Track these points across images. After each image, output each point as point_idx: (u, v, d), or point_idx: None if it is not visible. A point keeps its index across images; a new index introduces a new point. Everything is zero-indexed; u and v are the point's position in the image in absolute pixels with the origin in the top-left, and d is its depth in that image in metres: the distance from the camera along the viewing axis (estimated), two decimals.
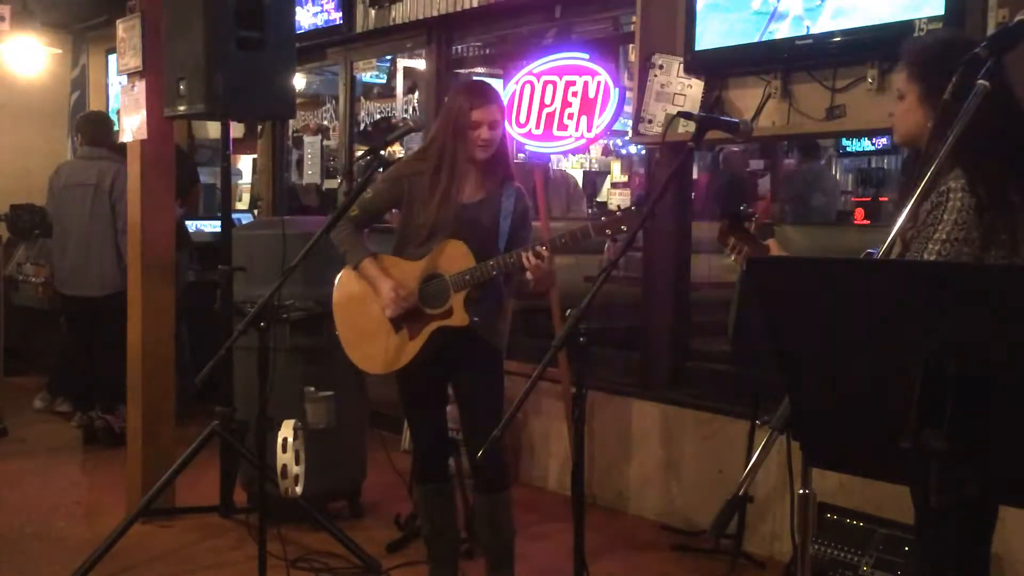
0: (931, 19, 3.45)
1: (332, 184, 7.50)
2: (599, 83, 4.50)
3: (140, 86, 4.48)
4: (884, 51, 3.57)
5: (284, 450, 3.35)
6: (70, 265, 5.93)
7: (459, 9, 5.54)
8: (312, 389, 4.22)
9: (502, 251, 3.28)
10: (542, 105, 4.67)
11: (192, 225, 6.77)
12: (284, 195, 7.37)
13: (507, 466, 3.76)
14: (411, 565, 3.96)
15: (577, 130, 4.56)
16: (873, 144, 8.73)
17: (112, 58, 8.13)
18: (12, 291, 7.22)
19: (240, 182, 8.92)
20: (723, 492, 2.41)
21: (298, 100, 5.24)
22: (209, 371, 3.21)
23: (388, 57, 7.11)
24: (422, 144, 3.65)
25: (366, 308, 3.40)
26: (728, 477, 4.30)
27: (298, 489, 3.40)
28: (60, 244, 6.05)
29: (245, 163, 8.82)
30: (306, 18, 6.50)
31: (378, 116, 7.21)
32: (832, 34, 3.80)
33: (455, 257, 3.27)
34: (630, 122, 4.64)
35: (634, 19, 4.65)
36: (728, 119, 3.07)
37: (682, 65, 4.31)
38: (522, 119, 4.72)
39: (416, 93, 7.01)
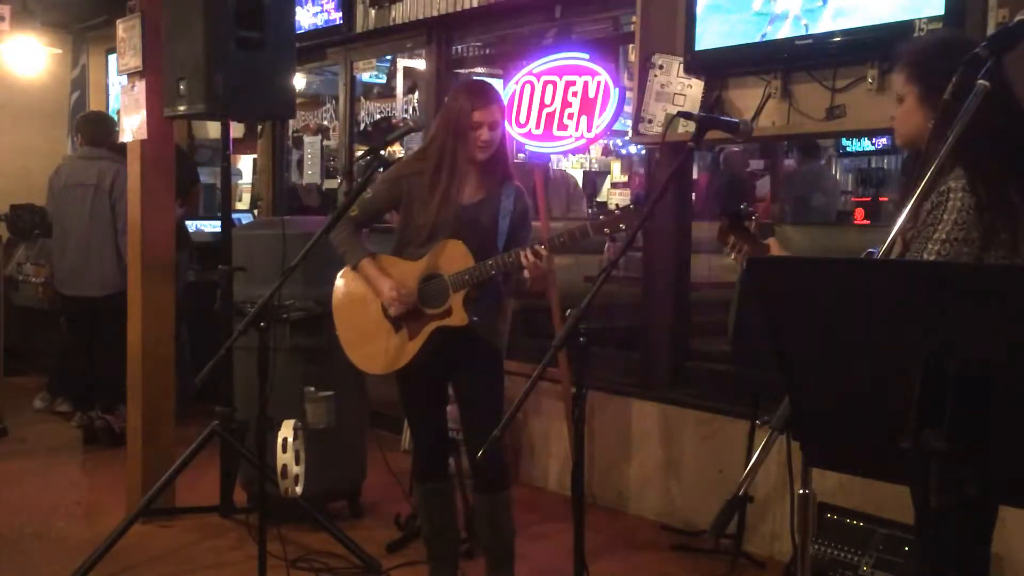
0: (931, 19, 3.45)
1: (332, 184, 7.50)
2: (599, 83, 4.50)
3: (140, 86, 4.48)
4: (884, 51, 3.57)
5: (284, 450, 3.35)
6: (70, 265, 5.93)
7: (459, 9, 5.54)
8: (312, 389, 4.22)
9: (501, 251, 3.28)
10: (542, 105, 4.67)
11: (192, 225, 6.77)
12: (284, 195, 7.37)
13: (507, 466, 3.76)
14: (411, 565, 3.96)
15: (577, 130, 4.56)
16: (873, 144, 8.74)
17: (112, 58, 8.14)
18: (12, 291, 7.21)
19: (240, 182, 8.92)
20: (723, 492, 2.41)
21: (298, 100, 5.24)
22: (209, 371, 3.21)
23: (388, 57, 7.11)
24: (422, 144, 3.65)
25: (365, 308, 3.40)
26: (728, 477, 4.30)
27: (298, 489, 3.40)
28: (60, 244, 6.05)
29: (245, 163, 8.82)
30: (306, 18, 6.50)
31: (378, 116, 7.21)
32: (832, 34, 3.80)
33: (454, 257, 3.27)
34: (630, 122, 4.64)
35: (634, 19, 4.65)
36: (728, 119, 3.07)
37: (682, 65, 4.31)
38: (522, 119, 4.71)
39: (416, 93, 7.00)
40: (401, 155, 6.13)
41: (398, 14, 5.99)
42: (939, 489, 1.54)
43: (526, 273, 3.20)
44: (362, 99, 7.28)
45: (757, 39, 4.03)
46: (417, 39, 6.11)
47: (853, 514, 3.74)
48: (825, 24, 3.82)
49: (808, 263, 1.98)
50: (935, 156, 1.93)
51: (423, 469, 3.58)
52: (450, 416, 3.64)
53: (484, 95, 3.31)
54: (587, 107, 4.53)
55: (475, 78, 5.59)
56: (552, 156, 6.38)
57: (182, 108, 4.16)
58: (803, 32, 3.88)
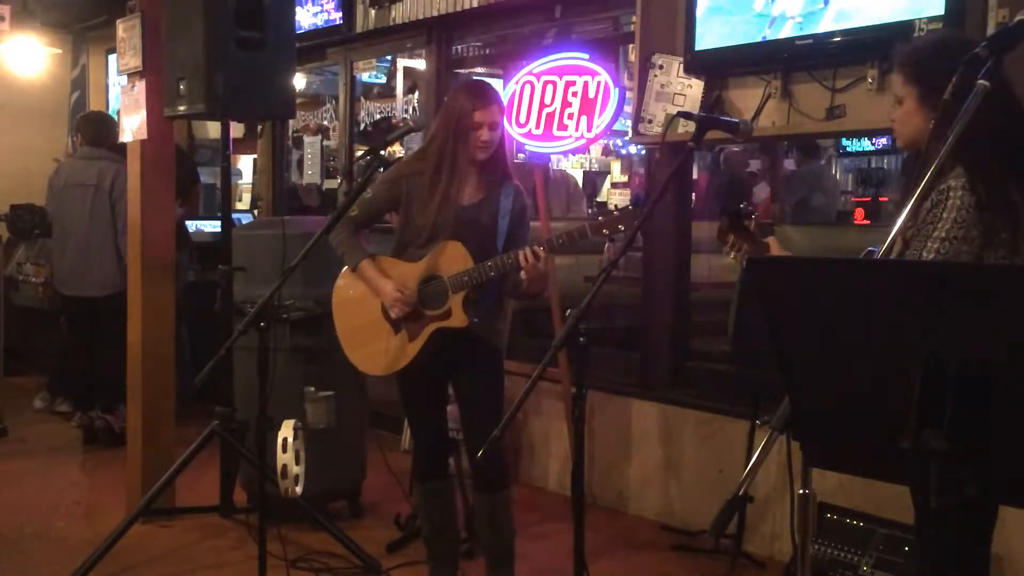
0: (931, 19, 3.45)
1: (332, 184, 7.50)
2: (599, 83, 4.50)
3: (140, 86, 4.48)
4: (884, 51, 3.56)
5: (284, 450, 3.35)
6: (70, 265, 5.92)
7: (459, 9, 5.54)
8: (312, 389, 4.22)
9: (501, 251, 3.28)
10: (542, 105, 4.67)
11: (192, 225, 6.77)
12: (284, 195, 7.37)
13: (507, 466, 3.76)
14: (411, 565, 3.96)
15: (577, 130, 4.56)
16: (873, 144, 8.74)
17: (112, 58, 8.13)
18: (12, 291, 7.21)
19: (240, 182, 8.93)
20: (723, 492, 2.41)
21: (298, 100, 5.24)
22: (209, 371, 3.21)
23: (388, 57, 7.11)
24: (421, 144, 3.65)
25: (365, 310, 3.40)
26: (728, 477, 4.30)
27: (298, 489, 3.40)
28: (60, 244, 6.04)
29: (245, 163, 8.82)
30: (306, 18, 6.50)
31: (378, 116, 7.21)
32: (832, 34, 3.80)
33: (453, 258, 3.27)
34: (630, 122, 4.64)
35: (634, 19, 4.65)
36: (728, 119, 3.07)
37: (682, 65, 4.31)
38: (522, 119, 4.71)
39: (416, 93, 7.01)
40: (401, 155, 6.13)
41: (398, 14, 5.99)
42: (939, 489, 1.54)
43: (523, 274, 3.20)
44: (362, 99, 7.29)
45: (758, 40, 4.03)
46: (417, 39, 6.11)
47: (853, 514, 3.74)
48: (826, 25, 3.82)
49: (808, 263, 1.98)
50: (935, 156, 1.93)
51: (423, 469, 3.58)
52: (450, 416, 3.64)
53: (484, 95, 3.31)
54: (587, 107, 4.53)
55: (475, 78, 5.59)
56: (552, 156, 6.38)
57: (182, 108, 4.16)
58: (803, 33, 3.88)
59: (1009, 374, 1.52)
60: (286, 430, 3.38)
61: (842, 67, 3.84)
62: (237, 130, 6.82)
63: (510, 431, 5.00)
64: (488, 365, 3.44)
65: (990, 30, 3.37)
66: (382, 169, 3.33)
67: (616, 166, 8.44)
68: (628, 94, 4.58)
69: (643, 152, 6.13)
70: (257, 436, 3.38)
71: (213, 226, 6.54)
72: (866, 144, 8.85)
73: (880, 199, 8.67)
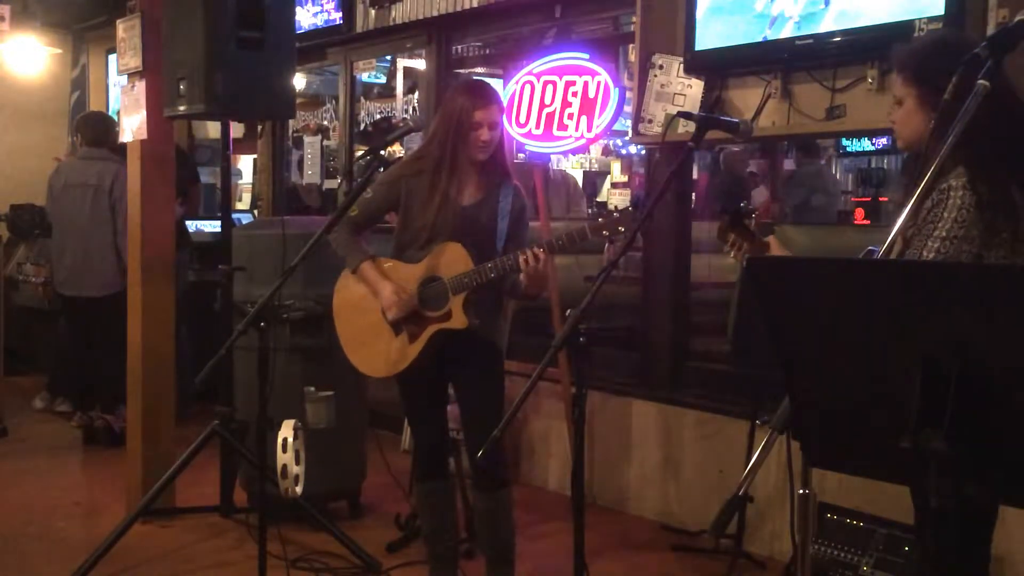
0: (931, 19, 3.45)
1: (332, 184, 7.50)
2: (599, 83, 4.50)
3: (140, 86, 4.48)
4: (884, 51, 3.53)
5: (284, 450, 3.35)
6: (70, 265, 5.93)
7: (459, 9, 5.54)
8: (312, 389, 4.22)
9: (500, 251, 3.27)
10: (542, 105, 4.67)
11: (192, 225, 6.77)
12: (284, 195, 7.37)
13: (507, 465, 3.76)
14: (411, 565, 3.96)
15: (577, 130, 4.56)
16: (873, 144, 8.74)
17: (112, 58, 8.13)
18: (12, 291, 7.22)
19: (240, 182, 8.93)
20: (723, 492, 2.42)
21: (298, 100, 5.23)
22: (209, 371, 3.21)
23: (388, 57, 7.11)
24: (421, 144, 3.64)
25: (366, 311, 3.39)
26: (728, 477, 4.29)
27: (298, 489, 3.40)
28: (60, 244, 6.05)
29: (245, 163, 8.82)
30: (306, 18, 6.50)
31: (378, 116, 7.21)
32: (832, 34, 3.80)
33: (453, 260, 3.27)
34: (630, 122, 4.65)
35: (634, 19, 4.65)
36: (728, 119, 3.07)
37: (682, 65, 4.31)
38: (522, 119, 4.71)
39: (416, 93, 7.00)
40: (401, 155, 6.13)
41: (398, 14, 5.99)
42: (939, 489, 1.54)
43: (522, 275, 3.20)
44: (362, 99, 7.28)
45: (758, 40, 4.03)
46: (417, 39, 6.11)
47: (853, 514, 3.74)
48: (826, 26, 3.82)
49: (808, 263, 1.98)
50: (935, 156, 1.94)
51: (423, 469, 3.57)
52: (450, 416, 3.64)
53: (484, 95, 3.31)
54: (587, 107, 4.53)
55: (474, 78, 5.58)
56: (552, 156, 6.38)
57: (182, 108, 4.16)
58: (803, 33, 3.88)
59: (1009, 374, 1.52)
60: (286, 430, 3.38)
61: (842, 67, 3.84)
62: (237, 130, 6.82)
63: (510, 431, 5.00)
64: (488, 365, 3.44)
65: (990, 30, 3.37)
66: (382, 169, 3.33)
67: (616, 166, 8.43)
68: (628, 94, 4.59)
69: (643, 152, 6.12)
70: (257, 436, 3.38)
71: (213, 226, 6.54)
72: (866, 144, 8.85)
73: (880, 199, 8.67)
